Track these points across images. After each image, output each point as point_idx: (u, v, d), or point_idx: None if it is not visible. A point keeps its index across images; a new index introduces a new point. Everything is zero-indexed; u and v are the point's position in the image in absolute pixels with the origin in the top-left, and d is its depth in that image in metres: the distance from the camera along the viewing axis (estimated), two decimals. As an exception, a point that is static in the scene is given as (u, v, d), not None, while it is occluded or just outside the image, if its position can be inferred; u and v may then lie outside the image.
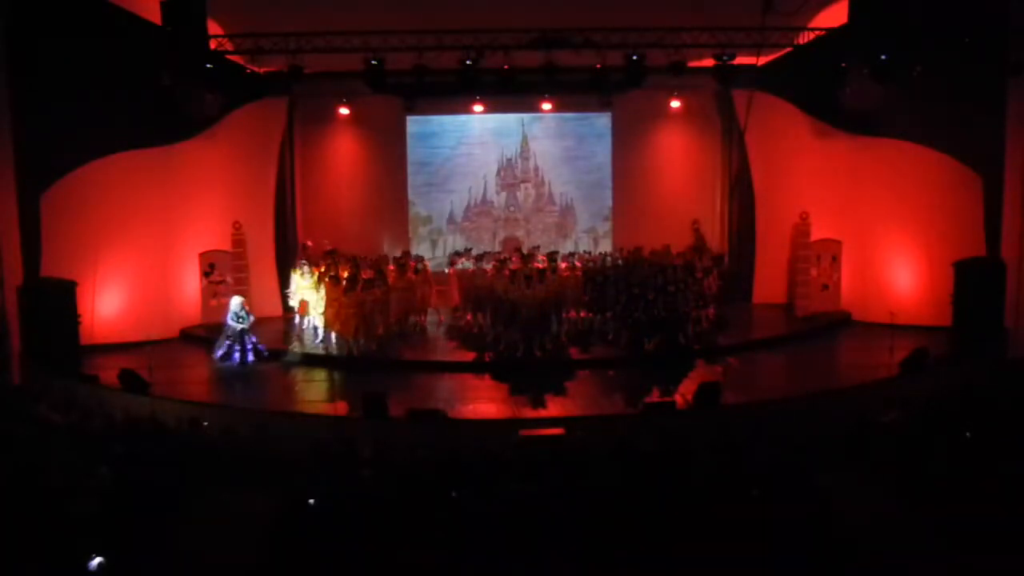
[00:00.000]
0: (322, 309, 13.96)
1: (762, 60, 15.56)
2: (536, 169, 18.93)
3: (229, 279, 15.77)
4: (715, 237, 18.28)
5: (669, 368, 12.93)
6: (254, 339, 13.51)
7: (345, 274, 14.08)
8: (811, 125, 16.34)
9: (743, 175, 17.25)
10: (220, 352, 13.41)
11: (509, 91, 15.92)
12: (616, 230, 18.83)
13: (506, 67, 14.65)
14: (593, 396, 12.30)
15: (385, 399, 11.19)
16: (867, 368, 12.28)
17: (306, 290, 14.80)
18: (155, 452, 8.98)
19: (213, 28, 14.42)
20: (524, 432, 10.10)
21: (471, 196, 18.95)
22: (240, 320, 13.35)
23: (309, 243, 17.12)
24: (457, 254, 16.73)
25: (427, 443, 9.10)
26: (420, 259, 16.26)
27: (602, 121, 18.69)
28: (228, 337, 13.38)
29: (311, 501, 7.49)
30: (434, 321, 15.61)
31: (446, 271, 16.22)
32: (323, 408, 11.70)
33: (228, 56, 14.79)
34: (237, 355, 13.30)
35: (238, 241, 15.79)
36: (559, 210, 19.04)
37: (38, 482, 7.63)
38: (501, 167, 18.90)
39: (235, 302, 13.51)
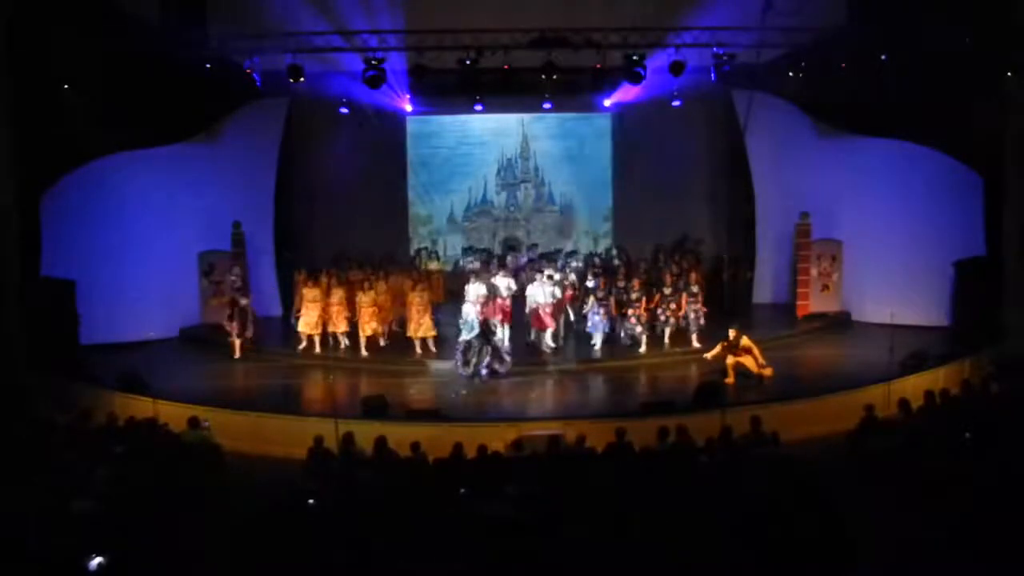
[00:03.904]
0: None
1: (762, 60, 15.54)
2: (536, 169, 18.94)
3: (229, 279, 15.71)
4: (715, 237, 18.30)
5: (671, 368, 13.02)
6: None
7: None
8: (811, 125, 16.32)
9: (743, 175, 17.22)
10: (470, 367, 12.53)
11: (509, 91, 15.90)
12: (616, 230, 18.84)
13: (506, 67, 14.64)
14: (593, 396, 12.30)
15: (384, 399, 11.20)
16: (867, 368, 12.27)
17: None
18: (155, 452, 8.99)
19: (213, 28, 14.41)
20: (524, 432, 10.11)
21: (471, 196, 18.95)
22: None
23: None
24: (468, 251, 16.69)
25: (426, 443, 9.11)
26: (425, 253, 16.17)
27: (602, 121, 18.69)
28: (474, 348, 12.55)
29: (311, 501, 7.49)
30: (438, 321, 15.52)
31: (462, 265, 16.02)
32: (322, 408, 11.69)
33: (228, 56, 14.77)
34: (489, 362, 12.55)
35: (238, 241, 15.77)
36: (559, 210, 19.05)
37: (38, 482, 7.63)
38: (501, 167, 18.90)
39: (473, 311, 12.82)
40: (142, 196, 14.77)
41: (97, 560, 6.10)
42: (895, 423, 9.50)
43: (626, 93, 16.65)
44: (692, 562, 6.37)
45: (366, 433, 9.27)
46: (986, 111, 13.43)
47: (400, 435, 9.32)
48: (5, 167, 12.46)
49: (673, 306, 13.66)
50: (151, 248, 14.97)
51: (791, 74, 15.47)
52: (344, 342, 14.05)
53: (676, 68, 14.28)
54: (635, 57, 14.19)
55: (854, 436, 9.46)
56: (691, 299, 13.69)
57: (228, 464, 9.62)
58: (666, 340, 13.80)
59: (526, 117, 18.55)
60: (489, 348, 12.56)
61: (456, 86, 15.47)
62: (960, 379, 11.07)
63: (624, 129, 18.43)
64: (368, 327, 13.66)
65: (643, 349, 13.48)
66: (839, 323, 15.71)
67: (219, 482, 9.16)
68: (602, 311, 13.59)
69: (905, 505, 7.61)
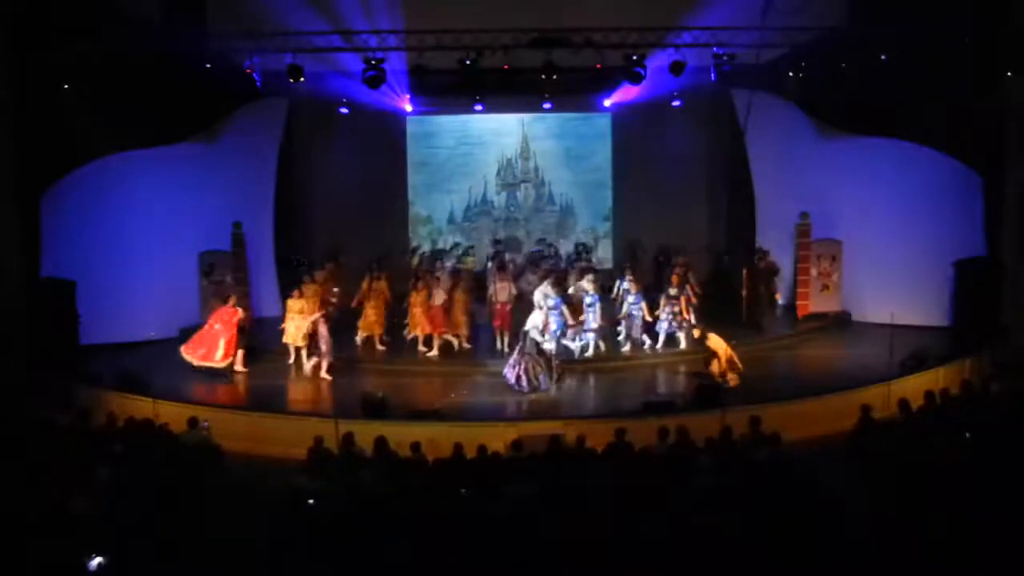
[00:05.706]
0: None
1: (762, 60, 15.54)
2: (536, 169, 18.94)
3: (229, 279, 15.73)
4: (715, 237, 18.27)
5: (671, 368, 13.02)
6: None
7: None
8: (811, 125, 16.32)
9: (743, 175, 17.22)
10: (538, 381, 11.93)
11: (509, 91, 15.90)
12: (616, 230, 18.83)
13: (506, 67, 14.64)
14: (593, 396, 12.30)
15: (384, 399, 11.20)
16: (867, 368, 12.27)
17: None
18: (155, 452, 8.99)
19: (213, 28, 14.40)
20: (524, 432, 10.11)
21: (471, 196, 18.94)
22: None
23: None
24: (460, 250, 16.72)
25: (426, 443, 9.11)
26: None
27: (602, 121, 18.68)
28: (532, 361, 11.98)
29: (311, 501, 7.49)
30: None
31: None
32: (322, 408, 11.69)
33: (228, 56, 14.77)
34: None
35: (238, 241, 15.78)
36: (559, 210, 19.05)
37: (38, 482, 7.63)
38: (501, 167, 18.89)
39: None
40: (142, 196, 14.76)
41: (97, 560, 6.10)
42: (895, 423, 9.49)
43: (626, 93, 16.65)
44: (692, 562, 6.36)
45: (366, 433, 9.27)
46: (986, 111, 13.44)
47: (400, 435, 9.32)
48: (5, 167, 12.48)
49: (659, 312, 13.57)
50: (151, 248, 14.95)
51: (791, 74, 15.48)
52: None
53: (676, 68, 14.28)
54: (635, 57, 14.19)
55: (854, 436, 9.45)
56: (670, 302, 13.57)
57: (228, 464, 9.61)
58: (625, 348, 13.74)
59: (526, 117, 18.54)
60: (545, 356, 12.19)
61: (456, 86, 15.47)
62: (960, 379, 11.07)
63: (624, 129, 18.42)
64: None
65: (589, 353, 13.44)
66: (839, 323, 15.71)
67: (219, 482, 9.15)
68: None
69: (905, 505, 7.60)
